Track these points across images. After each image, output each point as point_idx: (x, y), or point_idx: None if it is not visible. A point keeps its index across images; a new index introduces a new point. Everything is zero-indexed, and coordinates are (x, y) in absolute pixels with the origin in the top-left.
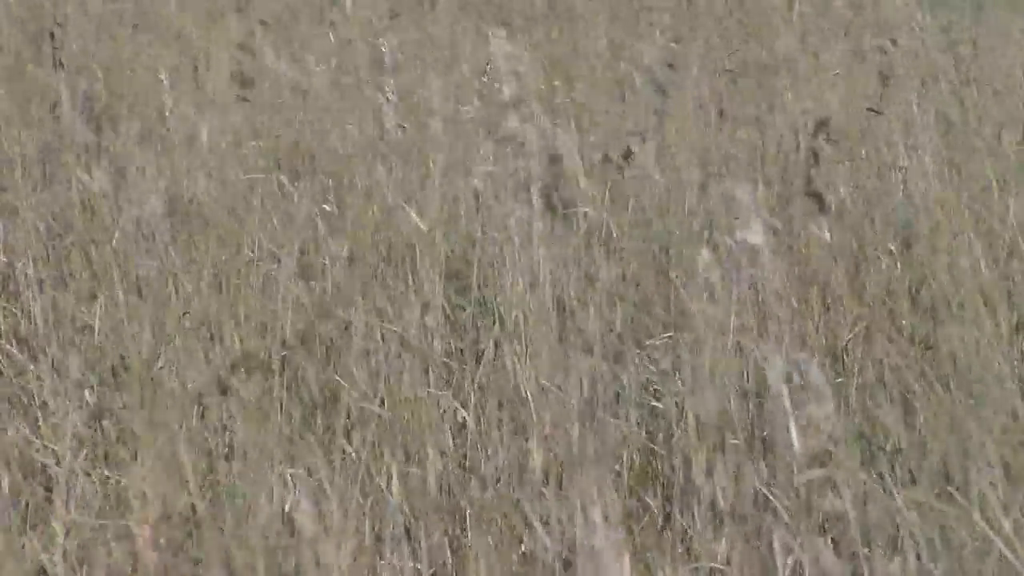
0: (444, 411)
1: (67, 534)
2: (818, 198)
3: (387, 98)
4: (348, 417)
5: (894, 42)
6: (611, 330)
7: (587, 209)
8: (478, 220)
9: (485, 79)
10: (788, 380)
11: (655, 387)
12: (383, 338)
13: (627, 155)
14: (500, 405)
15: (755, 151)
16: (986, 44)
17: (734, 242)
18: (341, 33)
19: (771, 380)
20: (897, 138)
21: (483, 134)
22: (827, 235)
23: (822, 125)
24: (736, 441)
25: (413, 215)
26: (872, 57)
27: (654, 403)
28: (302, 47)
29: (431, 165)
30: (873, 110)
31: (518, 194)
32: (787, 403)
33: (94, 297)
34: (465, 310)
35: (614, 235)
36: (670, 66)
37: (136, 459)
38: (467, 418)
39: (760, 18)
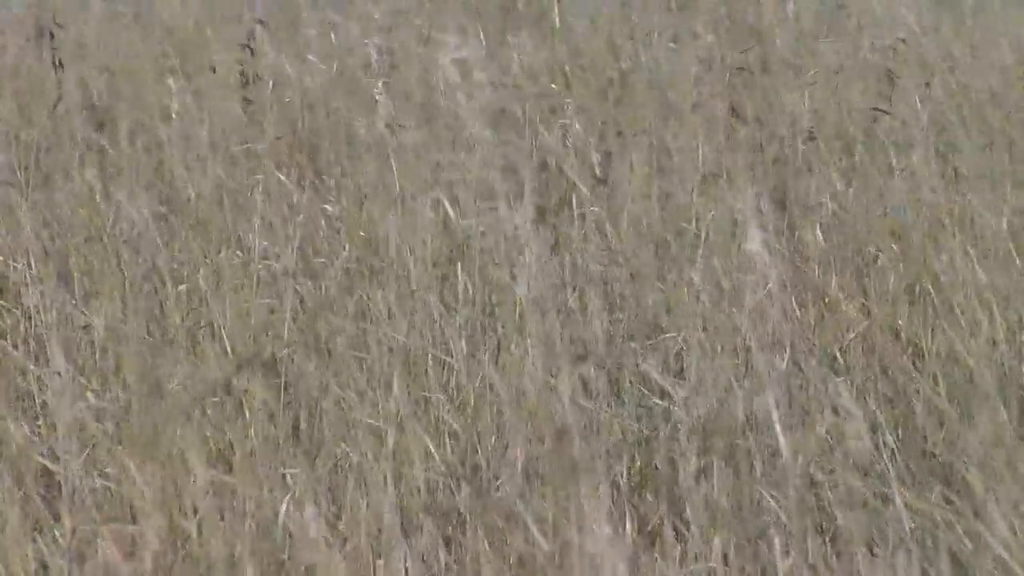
0: (439, 413)
1: (70, 535)
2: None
3: (377, 98)
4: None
5: (904, 41)
6: (601, 332)
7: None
8: (474, 222)
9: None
10: (782, 381)
11: (654, 388)
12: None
13: (606, 157)
14: (500, 405)
15: (755, 152)
16: (983, 43)
17: (733, 245)
18: (341, 35)
19: (764, 382)
20: (895, 137)
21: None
22: (821, 240)
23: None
24: (734, 442)
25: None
26: (871, 57)
27: (653, 403)
28: (303, 47)
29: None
30: (879, 110)
31: (511, 197)
32: (775, 405)
33: (94, 297)
34: (459, 312)
35: (610, 238)
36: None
37: (137, 460)
38: (462, 420)
39: (758, 19)
